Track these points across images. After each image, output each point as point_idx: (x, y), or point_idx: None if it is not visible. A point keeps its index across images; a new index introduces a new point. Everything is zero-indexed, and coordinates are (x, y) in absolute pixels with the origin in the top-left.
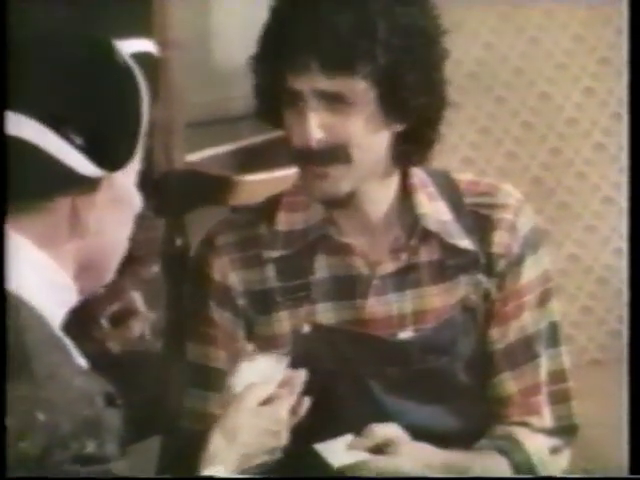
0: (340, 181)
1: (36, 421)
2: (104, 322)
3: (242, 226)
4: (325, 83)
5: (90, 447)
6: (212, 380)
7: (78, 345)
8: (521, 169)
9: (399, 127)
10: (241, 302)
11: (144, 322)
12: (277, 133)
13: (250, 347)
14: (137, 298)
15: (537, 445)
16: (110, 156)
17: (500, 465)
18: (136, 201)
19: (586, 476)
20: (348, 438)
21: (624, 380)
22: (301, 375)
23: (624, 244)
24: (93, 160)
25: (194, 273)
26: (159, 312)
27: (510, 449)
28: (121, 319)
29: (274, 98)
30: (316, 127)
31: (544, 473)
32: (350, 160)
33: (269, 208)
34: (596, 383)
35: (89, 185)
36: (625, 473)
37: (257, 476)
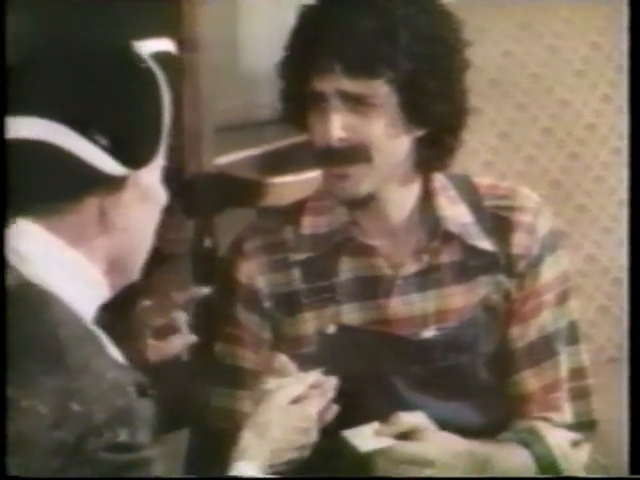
0: (360, 181)
1: (70, 411)
2: (148, 333)
3: (269, 231)
4: (348, 84)
5: (123, 435)
6: (239, 379)
7: (119, 349)
8: (540, 173)
9: (420, 133)
10: (268, 304)
11: (184, 342)
12: (302, 137)
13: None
14: (181, 318)
15: (558, 438)
16: (134, 154)
17: (522, 456)
18: (161, 196)
19: (586, 476)
20: (375, 425)
21: (625, 379)
22: (332, 381)
23: None
24: (118, 159)
25: (222, 276)
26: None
27: (532, 441)
28: (163, 334)
29: (299, 102)
30: (338, 126)
31: (565, 465)
32: (370, 160)
33: (294, 213)
34: (614, 380)
35: (115, 185)
36: None
37: (263, 476)
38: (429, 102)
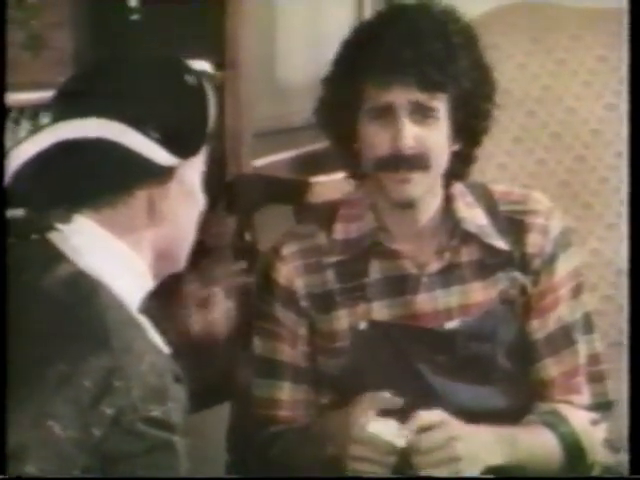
0: (417, 186)
1: (112, 386)
2: (191, 304)
3: (304, 237)
4: (421, 96)
5: (157, 411)
6: (278, 371)
7: (166, 320)
8: (550, 174)
9: (455, 147)
10: (304, 303)
11: (224, 310)
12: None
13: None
14: (221, 291)
15: (579, 418)
16: (182, 146)
17: (547, 437)
18: (201, 200)
19: (586, 476)
20: (392, 423)
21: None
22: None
23: None
24: (168, 150)
25: (262, 278)
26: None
27: (556, 423)
28: (205, 304)
29: (352, 114)
30: (410, 135)
31: (587, 443)
32: (429, 167)
33: (327, 220)
34: (617, 363)
35: (164, 176)
36: None
37: (253, 476)
38: (477, 121)
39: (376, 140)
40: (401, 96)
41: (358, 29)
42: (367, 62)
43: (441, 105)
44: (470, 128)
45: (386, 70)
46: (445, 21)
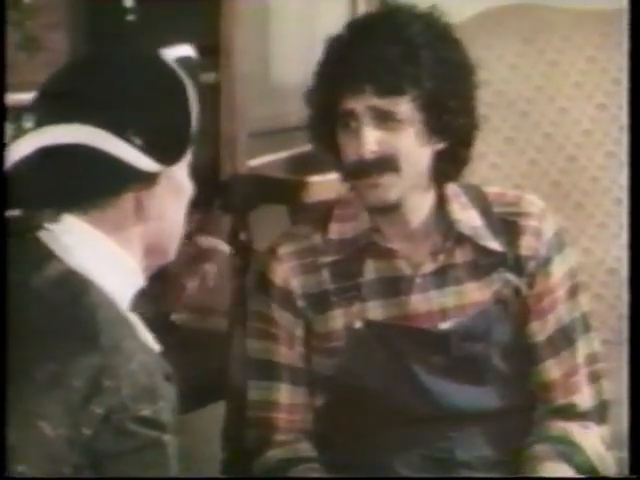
0: (390, 189)
1: (102, 386)
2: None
3: (300, 237)
4: (378, 102)
5: (147, 410)
6: (275, 372)
7: (156, 304)
8: (542, 174)
9: (439, 146)
10: (300, 303)
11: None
12: None
13: None
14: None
15: (592, 440)
16: (166, 153)
17: (564, 472)
18: (189, 189)
19: (586, 476)
20: None
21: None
22: None
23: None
24: (152, 157)
25: (258, 279)
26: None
27: (570, 453)
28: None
29: (329, 125)
30: (371, 140)
31: (600, 465)
32: (399, 170)
33: (322, 220)
34: (608, 362)
35: (150, 180)
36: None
37: (252, 477)
38: (450, 118)
39: (345, 148)
40: (359, 103)
41: (329, 43)
42: (338, 73)
43: (403, 107)
44: (446, 126)
45: (343, 79)
46: (406, 23)
